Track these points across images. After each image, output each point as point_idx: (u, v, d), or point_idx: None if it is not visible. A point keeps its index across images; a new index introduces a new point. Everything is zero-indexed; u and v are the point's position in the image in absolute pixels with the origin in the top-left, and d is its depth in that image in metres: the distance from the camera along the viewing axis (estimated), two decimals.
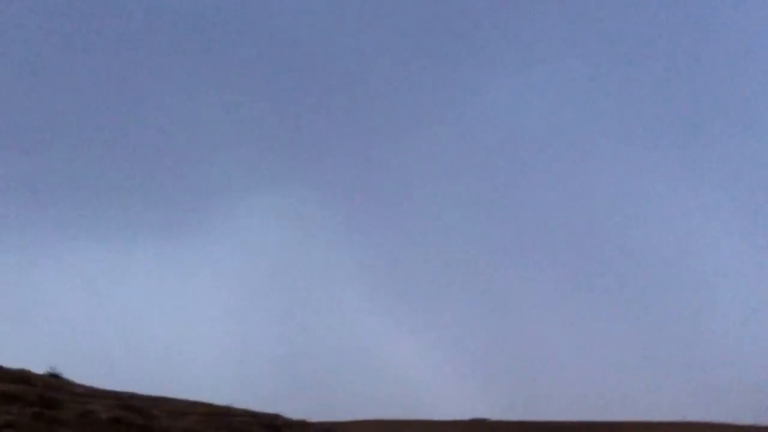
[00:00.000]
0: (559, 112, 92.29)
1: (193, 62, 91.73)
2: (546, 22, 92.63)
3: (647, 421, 58.43)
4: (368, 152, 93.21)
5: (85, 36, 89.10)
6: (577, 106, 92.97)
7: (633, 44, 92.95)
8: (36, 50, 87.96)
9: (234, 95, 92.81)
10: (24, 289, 74.01)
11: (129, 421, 16.30)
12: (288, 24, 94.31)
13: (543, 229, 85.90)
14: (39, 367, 22.92)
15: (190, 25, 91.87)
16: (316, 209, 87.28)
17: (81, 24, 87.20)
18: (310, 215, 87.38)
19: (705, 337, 68.67)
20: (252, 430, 26.27)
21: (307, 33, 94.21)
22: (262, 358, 70.32)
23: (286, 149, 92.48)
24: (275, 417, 31.27)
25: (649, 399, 64.98)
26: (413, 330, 74.44)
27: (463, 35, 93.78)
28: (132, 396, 22.54)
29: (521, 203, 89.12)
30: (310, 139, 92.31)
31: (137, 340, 66.76)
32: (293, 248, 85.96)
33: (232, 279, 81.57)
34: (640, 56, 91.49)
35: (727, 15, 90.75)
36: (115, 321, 71.15)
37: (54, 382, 19.49)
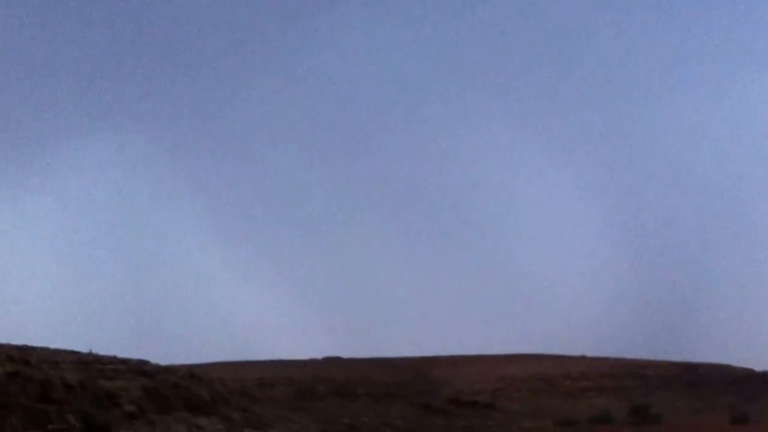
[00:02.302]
0: (403, 65, 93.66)
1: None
2: None
3: (482, 355, 61.76)
4: (211, 101, 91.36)
5: None
6: (422, 60, 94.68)
7: None
8: None
9: (67, 35, 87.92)
10: None
11: (27, 376, 15.67)
12: None
13: (383, 177, 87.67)
14: None
15: None
16: (152, 153, 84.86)
17: None
18: (146, 160, 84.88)
19: (534, 277, 72.86)
20: (127, 377, 25.83)
21: None
22: (101, 305, 68.44)
23: (123, 92, 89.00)
24: (143, 363, 30.80)
25: (485, 334, 68.52)
26: (260, 275, 74.60)
27: None
28: None
29: (365, 150, 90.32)
30: (149, 84, 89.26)
31: None
32: (129, 193, 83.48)
33: (63, 225, 78.34)
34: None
35: None
36: None
37: None
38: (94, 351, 30.67)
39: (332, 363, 58.15)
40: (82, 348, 30.38)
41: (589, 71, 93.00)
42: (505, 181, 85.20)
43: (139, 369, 29.00)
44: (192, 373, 33.79)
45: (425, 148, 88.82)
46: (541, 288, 71.34)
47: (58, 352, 28.29)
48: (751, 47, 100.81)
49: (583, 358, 55.93)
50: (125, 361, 29.61)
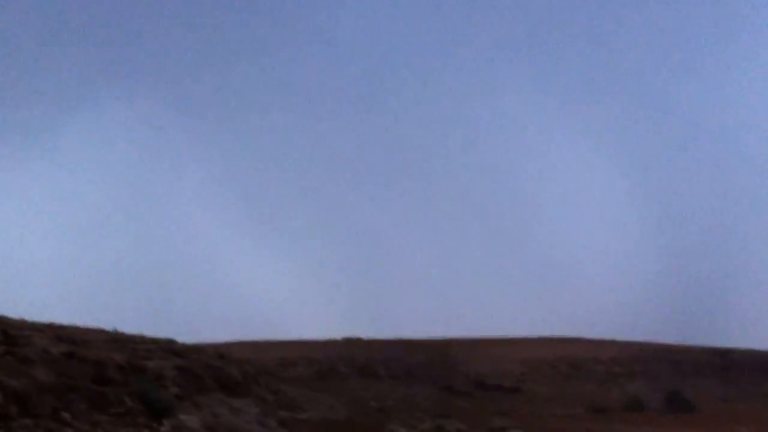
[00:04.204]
0: (418, 33, 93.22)
1: None
2: None
3: (505, 337, 62.05)
4: (224, 71, 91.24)
5: None
6: (438, 27, 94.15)
7: None
8: None
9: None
10: None
11: (81, 356, 15.97)
12: None
13: (404, 152, 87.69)
14: None
15: None
16: (164, 120, 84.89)
17: None
18: (158, 130, 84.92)
19: (562, 257, 73.08)
20: (160, 356, 26.15)
21: None
22: (111, 280, 68.86)
23: (135, 60, 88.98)
24: (172, 342, 31.17)
25: (507, 315, 68.89)
26: (274, 251, 74.95)
27: None
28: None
29: (380, 125, 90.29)
30: (163, 52, 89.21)
31: None
32: (142, 161, 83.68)
33: (74, 196, 78.67)
34: None
35: None
36: None
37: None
38: (118, 329, 31.03)
39: (352, 343, 58.69)
40: (96, 324, 30.69)
41: (625, 41, 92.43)
42: (533, 155, 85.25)
43: (170, 348, 29.29)
44: (220, 352, 34.23)
45: (448, 121, 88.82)
46: (567, 268, 71.64)
47: (87, 330, 28.63)
48: None
49: (611, 342, 56.22)
50: (154, 340, 29.91)
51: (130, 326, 31.77)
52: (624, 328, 64.17)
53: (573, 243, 75.46)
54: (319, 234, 79.70)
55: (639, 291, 67.94)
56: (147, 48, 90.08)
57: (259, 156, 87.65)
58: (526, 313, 67.01)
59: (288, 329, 65.79)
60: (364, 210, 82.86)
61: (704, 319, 65.64)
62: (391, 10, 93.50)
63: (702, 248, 73.78)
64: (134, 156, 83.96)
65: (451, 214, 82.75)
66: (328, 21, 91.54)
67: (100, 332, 29.30)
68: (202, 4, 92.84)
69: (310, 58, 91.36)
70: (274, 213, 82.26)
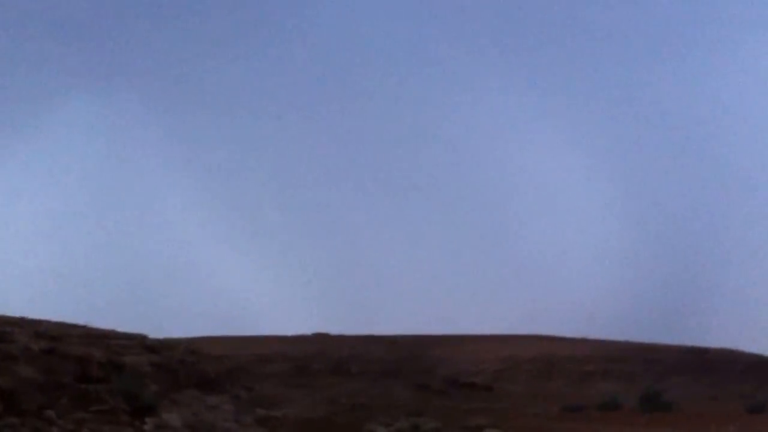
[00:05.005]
0: (400, 33, 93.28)
1: None
2: None
3: (480, 334, 62.46)
4: (202, 70, 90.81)
5: None
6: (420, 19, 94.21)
7: None
8: None
9: None
10: None
11: (63, 353, 15.91)
12: None
13: (381, 148, 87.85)
14: None
15: None
16: (138, 116, 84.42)
17: None
18: (131, 122, 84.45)
19: (537, 256, 73.62)
20: (135, 352, 26.12)
21: None
22: (83, 274, 68.42)
23: (111, 58, 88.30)
24: (144, 337, 31.11)
25: (483, 313, 69.31)
26: (246, 248, 74.79)
27: None
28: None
29: (358, 124, 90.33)
30: (135, 44, 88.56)
31: None
32: (120, 155, 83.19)
33: (49, 190, 78.03)
34: None
35: None
36: None
37: None
38: (88, 323, 30.89)
39: (322, 339, 58.71)
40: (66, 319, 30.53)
41: (605, 41, 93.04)
42: (510, 154, 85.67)
43: (143, 344, 29.24)
44: (192, 348, 34.18)
45: (429, 121, 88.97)
46: (544, 266, 72.16)
47: (61, 325, 28.47)
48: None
49: (586, 341, 56.65)
50: (128, 336, 29.82)
51: (100, 321, 31.65)
52: (599, 327, 64.88)
53: (549, 242, 76.13)
54: (293, 230, 79.67)
55: (615, 289, 68.64)
56: (124, 46, 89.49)
57: (234, 152, 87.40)
58: (501, 311, 67.51)
59: (259, 325, 65.72)
60: (339, 207, 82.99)
61: (680, 318, 66.50)
62: (372, 10, 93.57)
63: (679, 248, 74.71)
64: (109, 152, 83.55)
65: (428, 212, 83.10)
66: (309, 20, 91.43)
67: (74, 327, 29.14)
68: (179, 2, 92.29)
69: (291, 58, 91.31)
70: (249, 209, 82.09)
